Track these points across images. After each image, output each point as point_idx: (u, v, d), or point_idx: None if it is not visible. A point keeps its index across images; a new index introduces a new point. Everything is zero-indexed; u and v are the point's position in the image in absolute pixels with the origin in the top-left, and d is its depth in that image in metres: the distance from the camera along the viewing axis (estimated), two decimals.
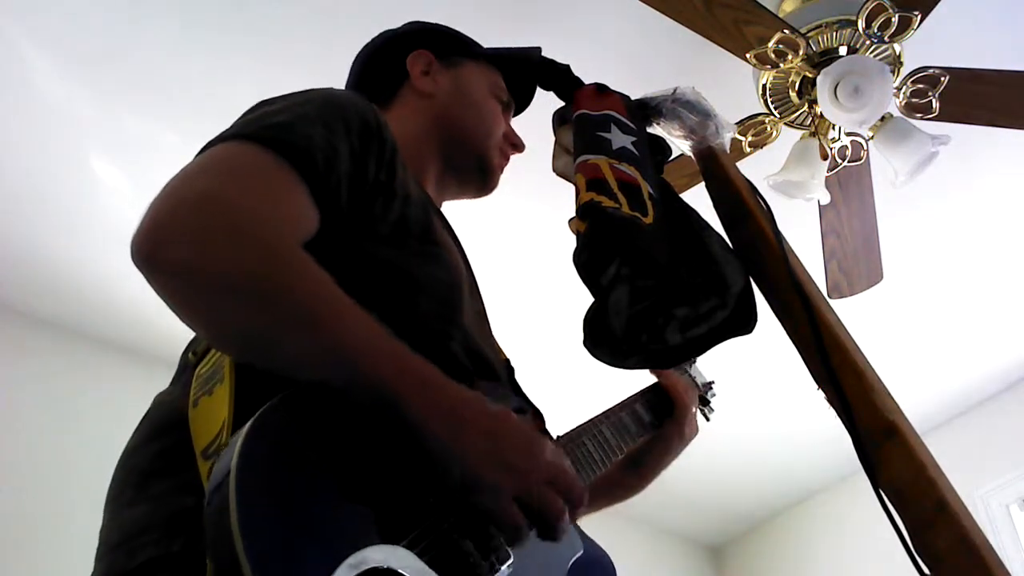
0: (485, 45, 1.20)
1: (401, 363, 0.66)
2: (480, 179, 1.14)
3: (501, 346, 1.02)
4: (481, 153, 1.12)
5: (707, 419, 1.36)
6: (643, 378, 1.24)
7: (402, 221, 0.85)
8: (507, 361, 1.01)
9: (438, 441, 0.64)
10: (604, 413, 1.12)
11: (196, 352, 0.79)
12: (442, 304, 0.86)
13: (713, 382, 1.40)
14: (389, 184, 0.85)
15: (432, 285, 0.86)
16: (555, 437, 0.98)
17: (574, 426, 1.04)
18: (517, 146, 1.18)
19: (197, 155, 0.75)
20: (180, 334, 0.76)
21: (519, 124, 1.24)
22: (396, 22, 1.17)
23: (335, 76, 1.16)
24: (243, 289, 0.64)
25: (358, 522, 0.59)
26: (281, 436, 0.59)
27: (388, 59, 1.15)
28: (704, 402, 1.38)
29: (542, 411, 0.94)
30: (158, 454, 0.72)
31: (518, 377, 1.01)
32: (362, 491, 0.61)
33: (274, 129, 0.76)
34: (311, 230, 0.74)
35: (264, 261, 0.65)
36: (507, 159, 1.17)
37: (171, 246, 0.64)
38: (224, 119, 0.83)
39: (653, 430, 1.19)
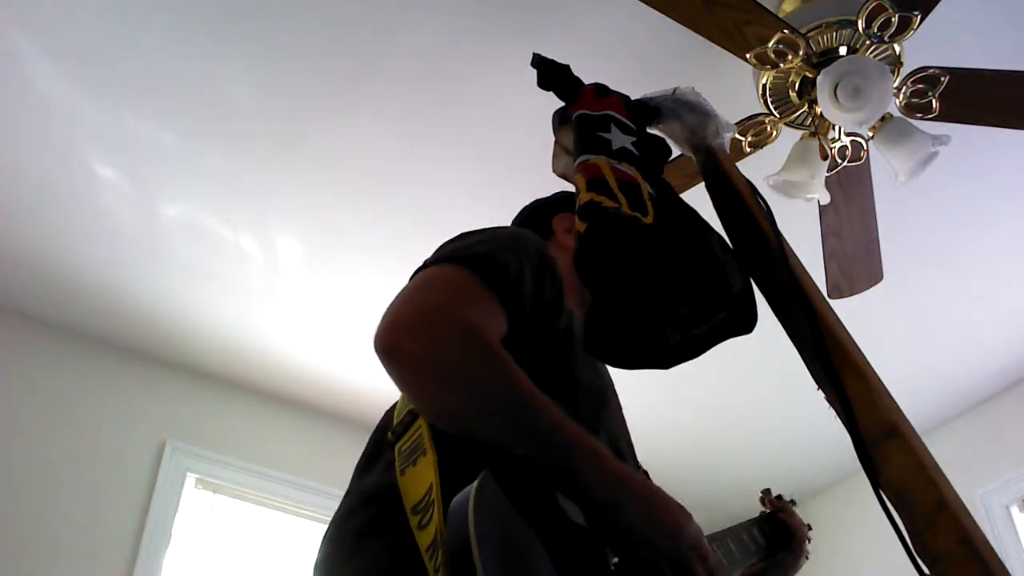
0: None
1: (580, 441, 0.83)
2: None
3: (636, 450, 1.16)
4: None
5: (806, 559, 1.49)
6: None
7: (568, 331, 1.03)
8: (641, 469, 1.12)
9: (601, 501, 0.80)
10: (724, 530, 1.22)
11: (395, 432, 0.96)
12: (594, 404, 1.03)
13: (810, 527, 1.52)
14: (559, 302, 1.03)
15: (588, 386, 1.03)
16: None
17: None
18: None
19: (416, 273, 0.96)
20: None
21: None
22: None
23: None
24: (460, 379, 0.82)
25: (556, 571, 0.74)
26: (495, 499, 0.75)
27: (539, 216, 1.37)
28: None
29: None
30: (371, 518, 0.89)
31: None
32: (558, 544, 0.76)
33: (479, 257, 0.96)
34: (503, 336, 0.92)
35: (477, 358, 0.83)
36: None
37: (404, 341, 0.83)
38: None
39: (764, 555, 1.36)
